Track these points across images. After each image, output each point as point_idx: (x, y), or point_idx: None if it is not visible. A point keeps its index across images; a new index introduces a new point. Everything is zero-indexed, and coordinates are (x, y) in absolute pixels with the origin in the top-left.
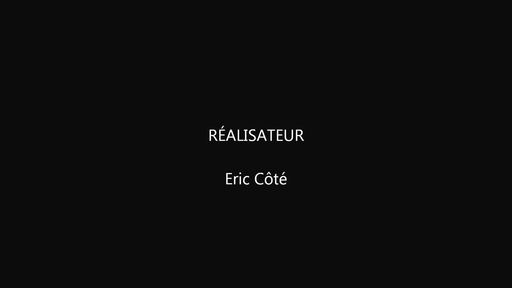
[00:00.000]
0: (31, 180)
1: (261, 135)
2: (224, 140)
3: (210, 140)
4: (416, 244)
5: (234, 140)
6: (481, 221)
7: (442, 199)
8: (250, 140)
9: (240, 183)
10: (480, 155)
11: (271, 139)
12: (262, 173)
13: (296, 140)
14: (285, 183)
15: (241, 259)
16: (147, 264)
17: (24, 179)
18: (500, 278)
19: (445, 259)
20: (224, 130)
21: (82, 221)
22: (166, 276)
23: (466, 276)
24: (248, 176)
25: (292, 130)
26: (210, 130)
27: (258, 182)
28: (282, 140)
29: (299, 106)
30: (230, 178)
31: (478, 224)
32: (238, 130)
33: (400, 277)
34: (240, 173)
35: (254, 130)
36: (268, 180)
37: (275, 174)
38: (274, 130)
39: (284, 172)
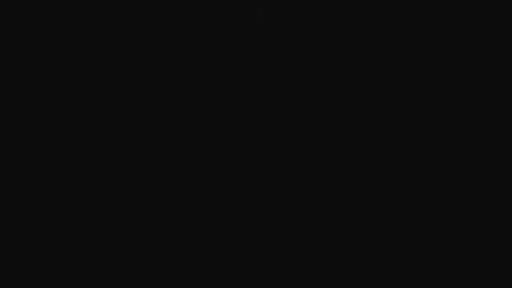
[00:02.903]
0: (30, 179)
1: None
2: None
3: None
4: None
5: None
6: (481, 221)
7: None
8: None
9: None
10: (480, 155)
11: None
12: None
13: None
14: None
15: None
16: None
17: (24, 179)
18: (500, 278)
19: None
20: None
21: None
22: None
23: (466, 275)
24: None
25: None
26: None
27: None
28: None
29: None
30: None
31: (478, 224)
32: None
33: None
34: None
35: None
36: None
37: None
38: None
39: None
